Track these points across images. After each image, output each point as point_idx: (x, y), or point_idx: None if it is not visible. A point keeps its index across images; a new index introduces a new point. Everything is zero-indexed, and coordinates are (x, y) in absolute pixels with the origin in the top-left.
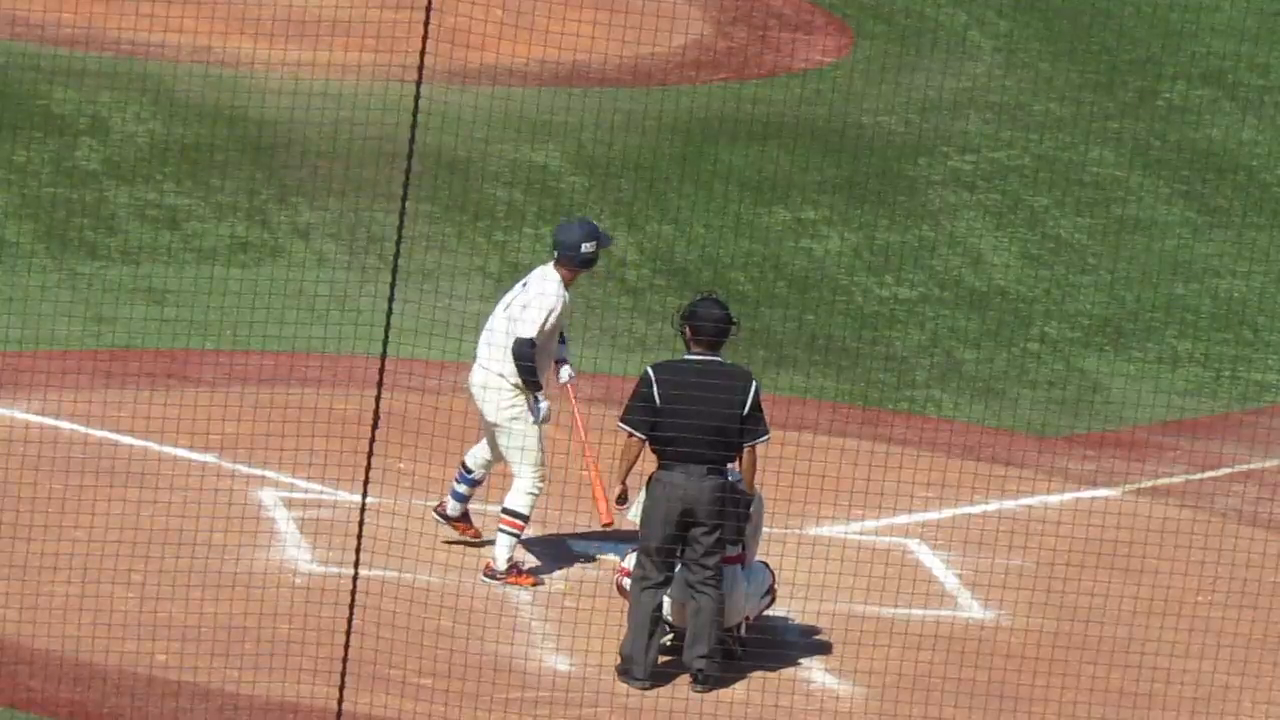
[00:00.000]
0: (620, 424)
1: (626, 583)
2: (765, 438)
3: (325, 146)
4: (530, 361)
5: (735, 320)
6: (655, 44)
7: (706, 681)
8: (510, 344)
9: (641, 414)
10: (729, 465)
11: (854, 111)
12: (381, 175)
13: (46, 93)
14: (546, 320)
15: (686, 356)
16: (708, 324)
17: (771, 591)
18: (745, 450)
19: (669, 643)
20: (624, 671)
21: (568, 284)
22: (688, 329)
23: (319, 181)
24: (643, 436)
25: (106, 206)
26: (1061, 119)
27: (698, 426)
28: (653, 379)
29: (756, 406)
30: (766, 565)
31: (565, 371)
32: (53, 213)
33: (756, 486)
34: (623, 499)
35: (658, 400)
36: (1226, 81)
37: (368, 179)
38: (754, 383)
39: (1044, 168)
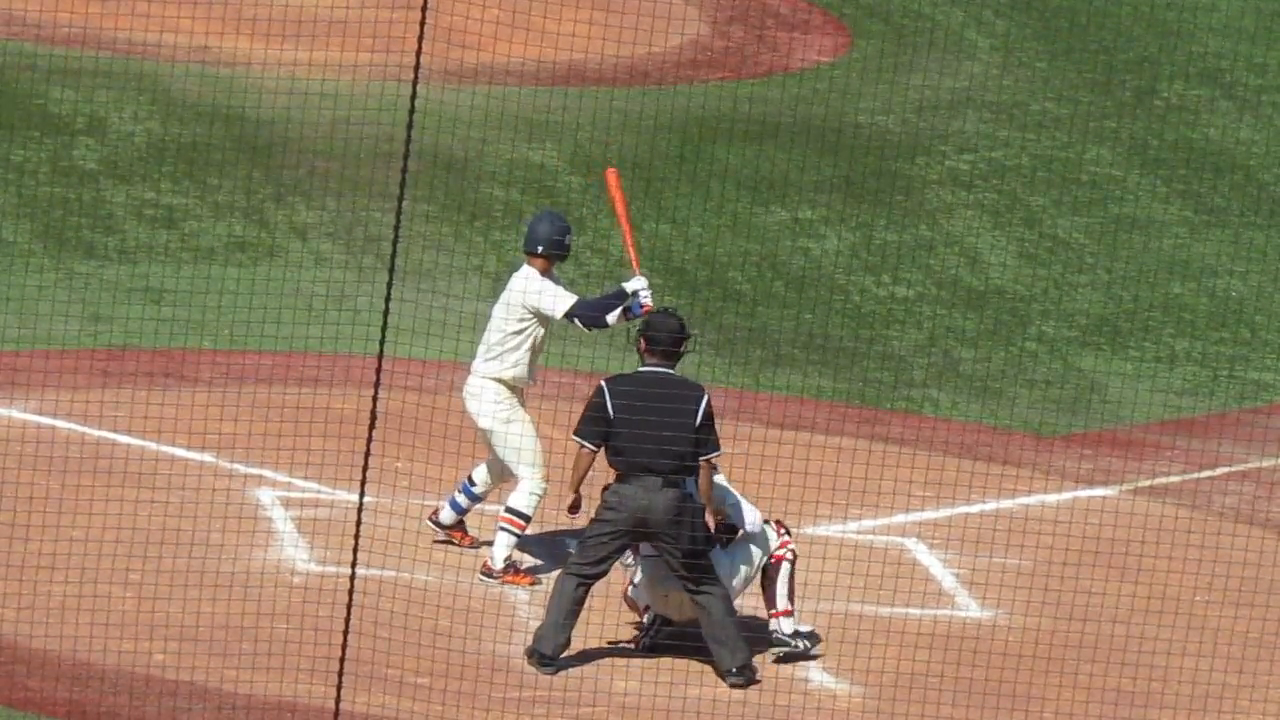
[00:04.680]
0: (573, 436)
1: (631, 592)
2: (717, 453)
3: (323, 146)
4: (595, 313)
5: (690, 333)
6: (652, 43)
7: (741, 674)
8: (509, 347)
9: (593, 425)
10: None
11: (851, 111)
12: (379, 175)
13: (44, 92)
14: (558, 291)
15: (640, 369)
16: (662, 336)
17: (774, 566)
18: (700, 465)
19: (654, 637)
20: (531, 653)
21: (546, 275)
22: (642, 341)
23: (316, 181)
24: (593, 448)
25: (104, 206)
26: (1059, 118)
27: (650, 438)
28: (606, 391)
29: (708, 420)
30: (765, 528)
31: (636, 283)
32: (50, 212)
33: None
34: (575, 508)
35: (610, 412)
36: (1224, 81)
37: (365, 178)
38: (705, 396)
39: (1041, 167)
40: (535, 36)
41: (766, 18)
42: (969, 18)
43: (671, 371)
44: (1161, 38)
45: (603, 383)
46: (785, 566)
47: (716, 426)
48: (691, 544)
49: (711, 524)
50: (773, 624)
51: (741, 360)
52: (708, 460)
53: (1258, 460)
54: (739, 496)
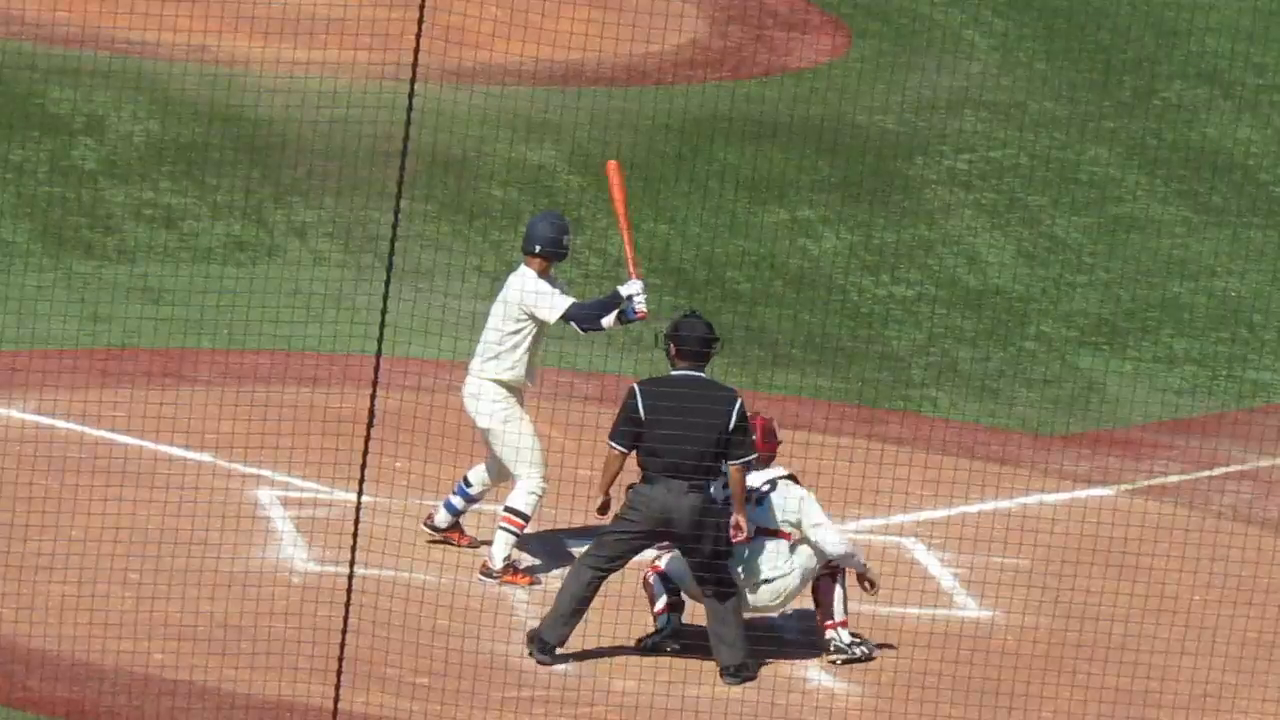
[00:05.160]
0: (608, 440)
1: (652, 578)
2: (753, 457)
3: (322, 145)
4: (589, 314)
5: (718, 337)
6: (651, 43)
7: (737, 675)
8: (507, 347)
9: (625, 428)
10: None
11: (850, 110)
12: (378, 174)
13: (43, 92)
14: (554, 294)
15: (672, 373)
16: (691, 340)
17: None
18: (732, 470)
19: (662, 638)
20: (533, 639)
21: (543, 276)
22: (672, 346)
23: (316, 180)
24: (623, 450)
25: (103, 205)
26: (1058, 118)
27: (679, 438)
28: (638, 393)
29: (742, 424)
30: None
31: (631, 287)
32: (50, 212)
33: (799, 489)
34: (604, 509)
35: (642, 414)
36: (1223, 80)
37: (364, 178)
38: (739, 401)
39: (1040, 167)
40: (534, 35)
41: (765, 17)
42: (968, 18)
43: (702, 375)
44: (1160, 37)
45: (635, 385)
46: (840, 577)
47: (752, 432)
48: (713, 549)
49: (744, 524)
50: (829, 634)
51: (740, 360)
52: (740, 465)
53: (1256, 460)
54: (826, 518)
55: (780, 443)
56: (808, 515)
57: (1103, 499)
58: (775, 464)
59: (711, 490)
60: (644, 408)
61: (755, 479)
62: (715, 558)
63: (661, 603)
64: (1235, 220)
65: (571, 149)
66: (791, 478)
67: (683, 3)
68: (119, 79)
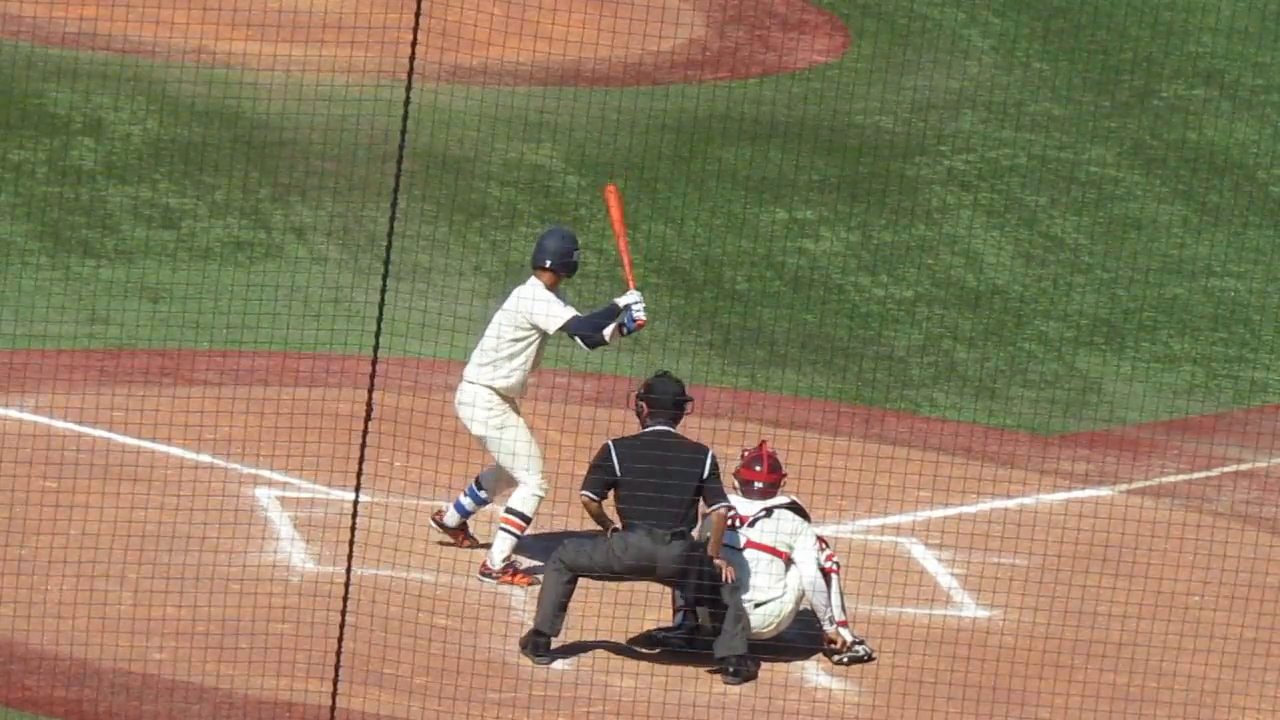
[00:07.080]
0: (581, 491)
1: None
2: (725, 504)
3: (321, 146)
4: (590, 329)
5: (690, 397)
6: (650, 41)
7: (737, 674)
8: (504, 355)
9: (600, 481)
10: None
11: (850, 111)
12: (378, 174)
13: (43, 92)
14: (555, 304)
15: (644, 431)
16: (665, 399)
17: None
18: (714, 516)
19: (672, 637)
20: (526, 644)
21: (551, 289)
22: (644, 406)
23: (316, 180)
24: (598, 499)
25: (103, 205)
26: (1058, 118)
27: (657, 490)
28: (612, 451)
29: (715, 472)
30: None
31: (629, 297)
32: (49, 211)
33: (796, 520)
34: (607, 529)
35: (618, 472)
36: (1223, 81)
37: (364, 178)
38: (710, 454)
39: (1040, 167)
40: (534, 34)
41: (765, 18)
42: (968, 18)
43: (674, 431)
44: (1161, 38)
45: (609, 442)
46: (834, 579)
47: (722, 482)
48: (699, 589)
49: (725, 572)
50: (830, 630)
51: (740, 360)
52: (719, 513)
53: (1256, 460)
54: (815, 554)
55: (785, 475)
56: (801, 542)
57: (1100, 499)
58: (780, 493)
59: (694, 533)
60: (620, 464)
61: (752, 508)
62: (702, 591)
63: (681, 601)
64: (1235, 221)
65: (570, 149)
66: (794, 506)
67: (682, 3)
68: (118, 79)
